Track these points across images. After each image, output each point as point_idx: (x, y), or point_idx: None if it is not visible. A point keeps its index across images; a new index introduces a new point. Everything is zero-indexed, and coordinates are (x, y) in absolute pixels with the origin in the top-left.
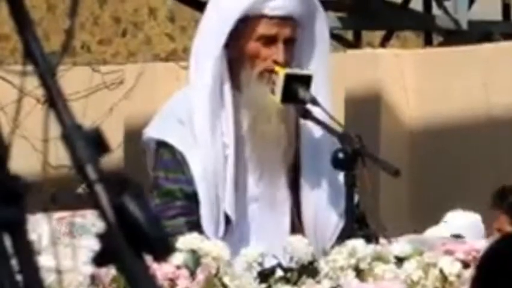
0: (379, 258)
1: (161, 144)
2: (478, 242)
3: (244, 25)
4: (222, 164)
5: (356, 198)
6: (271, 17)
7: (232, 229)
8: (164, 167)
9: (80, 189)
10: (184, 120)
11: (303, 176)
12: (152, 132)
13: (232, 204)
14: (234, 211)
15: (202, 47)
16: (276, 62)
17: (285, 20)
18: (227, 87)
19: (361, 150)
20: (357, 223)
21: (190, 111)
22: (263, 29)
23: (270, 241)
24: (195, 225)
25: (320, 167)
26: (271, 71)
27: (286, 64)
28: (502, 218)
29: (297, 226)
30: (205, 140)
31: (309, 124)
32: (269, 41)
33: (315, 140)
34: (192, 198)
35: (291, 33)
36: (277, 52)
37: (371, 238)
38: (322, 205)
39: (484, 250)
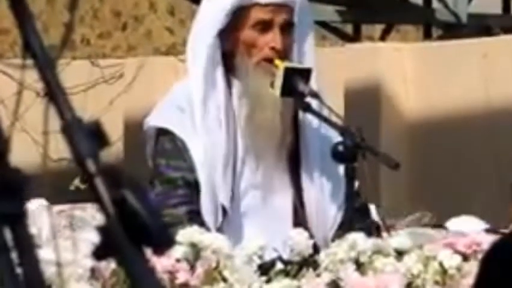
0: (379, 251)
1: (162, 132)
2: (479, 235)
3: (239, 15)
4: (220, 152)
5: (356, 184)
6: (266, 5)
7: (231, 218)
8: (166, 154)
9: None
10: (185, 107)
11: (303, 166)
12: (152, 120)
13: (227, 193)
14: (229, 201)
15: (197, 36)
16: (273, 49)
17: (279, 6)
18: (220, 76)
19: (361, 143)
20: (359, 212)
21: (190, 99)
22: (257, 15)
23: (272, 229)
24: (196, 214)
25: (320, 158)
26: (269, 60)
27: (284, 51)
28: None
29: (299, 213)
30: (201, 127)
31: (308, 116)
32: (265, 27)
33: (314, 131)
34: (193, 186)
35: (287, 18)
36: (274, 39)
37: (371, 230)
38: (322, 195)
39: (489, 246)
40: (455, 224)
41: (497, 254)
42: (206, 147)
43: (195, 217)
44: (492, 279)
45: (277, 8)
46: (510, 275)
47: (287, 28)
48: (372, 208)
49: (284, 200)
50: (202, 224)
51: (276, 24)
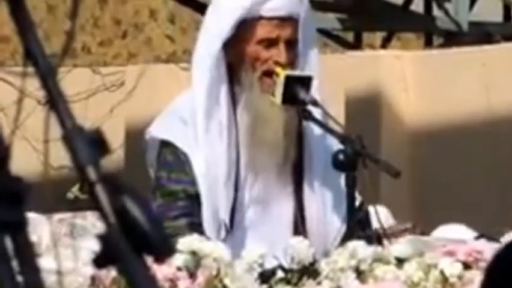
0: (379, 259)
1: (165, 144)
2: (479, 243)
3: (244, 28)
4: (221, 166)
5: (359, 198)
6: (270, 18)
7: (233, 232)
8: (168, 167)
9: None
10: (187, 120)
11: (306, 178)
12: (155, 131)
13: (228, 208)
14: (230, 215)
15: (202, 48)
16: (277, 63)
17: (284, 20)
18: (224, 90)
19: (362, 151)
20: (360, 224)
21: (193, 112)
22: (263, 32)
23: (273, 243)
24: (197, 226)
25: (323, 169)
26: (273, 74)
27: (289, 64)
28: None
29: (300, 227)
30: (203, 140)
31: (311, 126)
32: (270, 41)
33: (318, 142)
34: (194, 199)
35: (292, 34)
36: (279, 54)
37: (372, 239)
38: (325, 208)
39: (493, 254)
40: (442, 231)
41: (501, 263)
42: (208, 160)
43: (196, 229)
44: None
45: (282, 23)
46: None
47: (292, 41)
48: (381, 211)
49: (285, 213)
50: (203, 235)
51: (281, 39)
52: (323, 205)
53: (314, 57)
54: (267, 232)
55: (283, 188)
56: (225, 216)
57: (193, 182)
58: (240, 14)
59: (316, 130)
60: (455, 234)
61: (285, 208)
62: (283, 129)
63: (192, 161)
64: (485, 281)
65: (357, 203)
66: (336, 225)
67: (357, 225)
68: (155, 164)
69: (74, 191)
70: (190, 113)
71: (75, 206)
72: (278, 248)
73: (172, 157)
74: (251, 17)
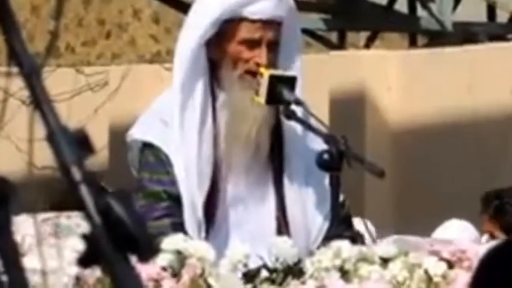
0: (364, 259)
1: (146, 146)
2: (464, 243)
3: (227, 27)
4: (202, 165)
5: (342, 197)
6: (254, 21)
7: (216, 230)
8: (149, 168)
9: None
10: (167, 120)
11: (287, 177)
12: (136, 133)
13: (203, 207)
14: (205, 215)
15: (181, 44)
16: (258, 64)
17: (268, 23)
18: (200, 86)
19: (346, 151)
20: (343, 223)
21: (172, 111)
22: (246, 33)
23: (255, 242)
24: (180, 227)
25: (305, 168)
26: (253, 73)
27: (269, 66)
28: (489, 222)
29: (282, 226)
30: (180, 137)
31: (295, 125)
32: (252, 42)
33: (300, 141)
34: (176, 200)
35: (274, 36)
36: (260, 55)
37: (356, 239)
38: (307, 206)
39: (481, 257)
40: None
41: (492, 263)
42: (185, 158)
43: (179, 229)
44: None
45: (266, 25)
46: (504, 284)
47: (274, 44)
48: (357, 221)
49: (267, 211)
50: (186, 235)
51: (264, 40)
52: (306, 204)
53: (297, 60)
54: (248, 231)
55: (265, 186)
56: (200, 216)
57: (174, 183)
58: (220, 13)
59: (300, 130)
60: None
61: (267, 207)
62: (258, 124)
63: (173, 162)
64: (474, 280)
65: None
66: (318, 224)
67: (341, 224)
68: (137, 166)
69: None
70: (170, 113)
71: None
72: (261, 246)
73: (153, 158)
74: (234, 17)
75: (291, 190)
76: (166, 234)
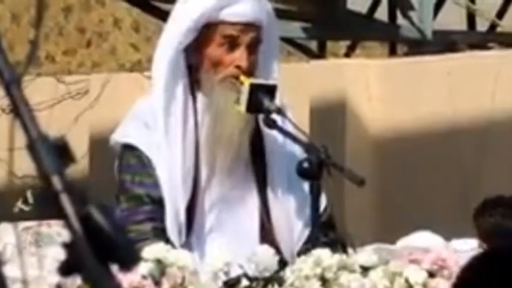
0: (344, 267)
1: (128, 148)
2: (444, 251)
3: (206, 31)
4: (185, 169)
5: (324, 202)
6: (233, 23)
7: (194, 234)
8: (131, 170)
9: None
10: (150, 123)
11: (269, 181)
12: (118, 136)
13: (185, 210)
14: (187, 218)
15: (160, 49)
16: (238, 67)
17: (247, 26)
18: (180, 90)
19: (326, 159)
20: (325, 228)
21: (154, 115)
22: (225, 31)
23: (239, 242)
24: (161, 231)
25: (287, 175)
26: (234, 77)
27: (249, 70)
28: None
29: (267, 228)
30: (164, 140)
31: (275, 134)
32: (232, 45)
33: (280, 149)
34: (158, 203)
35: (254, 38)
36: (240, 58)
37: (337, 244)
38: (289, 210)
39: (463, 265)
40: (409, 240)
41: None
42: (168, 162)
43: (160, 234)
44: None
45: (245, 28)
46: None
47: (254, 47)
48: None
49: (251, 215)
50: (167, 240)
51: (243, 43)
52: (287, 204)
53: (275, 64)
54: (231, 234)
55: (248, 190)
56: (182, 219)
57: (156, 186)
58: (199, 17)
59: (279, 137)
60: (423, 241)
61: (251, 210)
62: (239, 125)
63: (155, 165)
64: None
65: (322, 206)
66: (300, 227)
67: (320, 229)
68: (119, 168)
69: (18, 205)
70: (152, 116)
71: (22, 217)
72: (243, 251)
73: (135, 160)
74: (213, 21)
75: (273, 194)
76: (147, 238)
